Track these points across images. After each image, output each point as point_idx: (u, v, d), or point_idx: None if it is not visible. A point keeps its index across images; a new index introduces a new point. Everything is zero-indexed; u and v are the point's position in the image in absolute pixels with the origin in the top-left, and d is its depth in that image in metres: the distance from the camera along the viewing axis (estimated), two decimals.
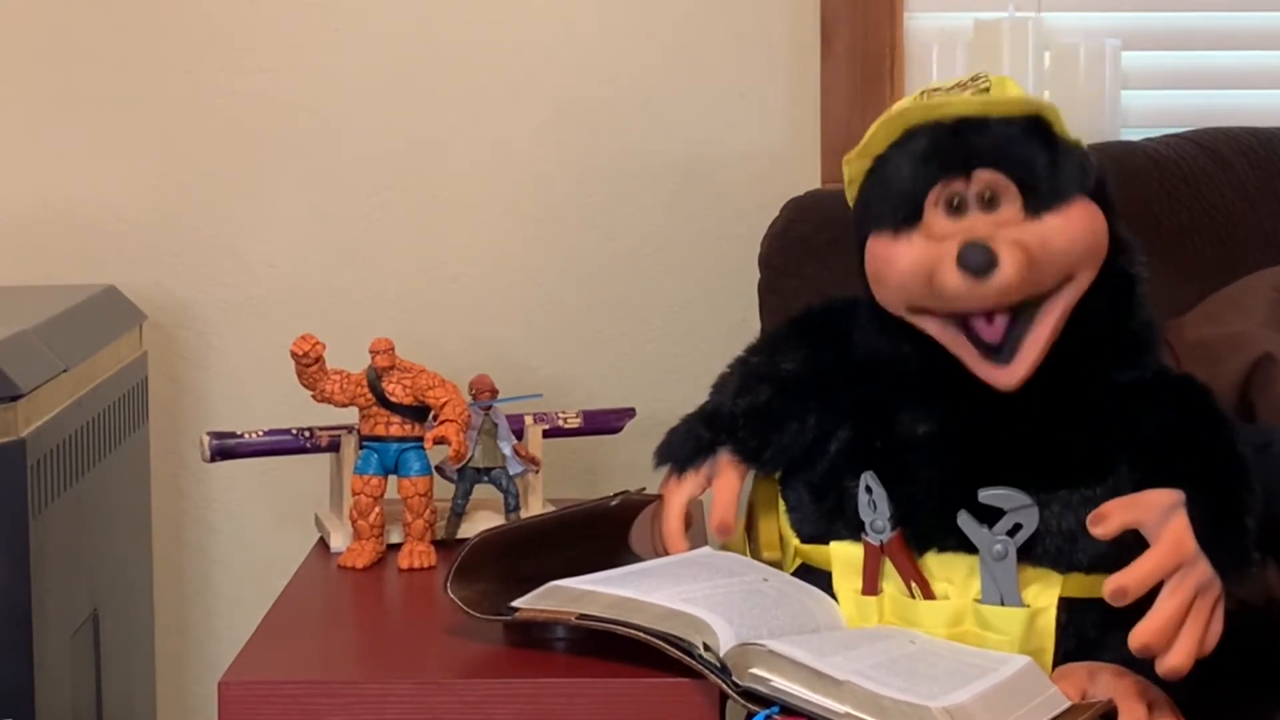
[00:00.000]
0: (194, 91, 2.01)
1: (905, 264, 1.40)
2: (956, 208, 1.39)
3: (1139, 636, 1.29)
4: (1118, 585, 1.29)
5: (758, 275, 1.85)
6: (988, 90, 1.42)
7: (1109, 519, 1.32)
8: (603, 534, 1.59)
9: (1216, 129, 1.87)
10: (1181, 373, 1.52)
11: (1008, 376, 1.39)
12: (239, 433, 1.74)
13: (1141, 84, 2.01)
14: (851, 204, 1.48)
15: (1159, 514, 1.31)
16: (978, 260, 1.35)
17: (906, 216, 1.40)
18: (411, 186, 2.03)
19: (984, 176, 1.39)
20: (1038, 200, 1.39)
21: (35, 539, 1.54)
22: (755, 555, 1.50)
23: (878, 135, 1.43)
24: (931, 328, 1.41)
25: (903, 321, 1.43)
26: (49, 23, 2.00)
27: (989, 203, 1.39)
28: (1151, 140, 1.87)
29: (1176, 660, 1.29)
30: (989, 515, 1.37)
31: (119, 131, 2.02)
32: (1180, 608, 1.29)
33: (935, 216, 1.40)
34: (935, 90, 1.45)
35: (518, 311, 2.04)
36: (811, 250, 1.81)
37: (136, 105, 2.01)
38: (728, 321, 1.99)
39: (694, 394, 1.58)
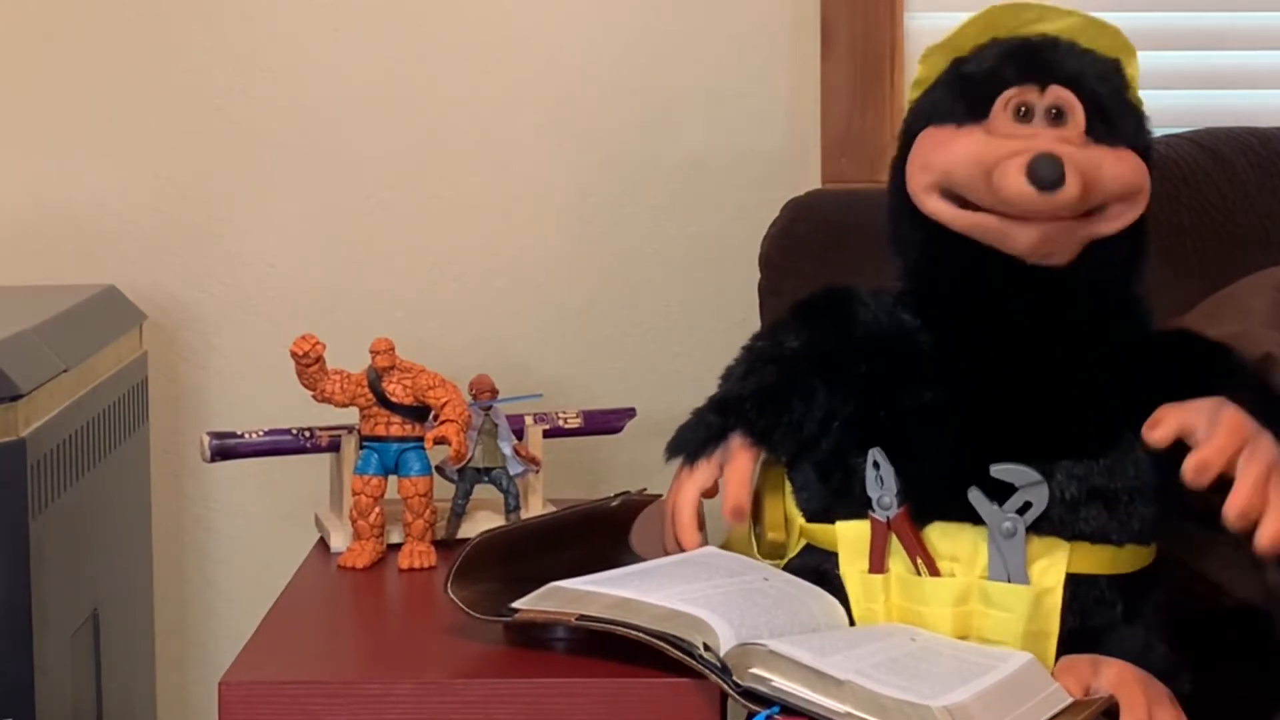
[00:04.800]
0: (194, 91, 2.01)
1: (964, 151, 1.42)
2: (1024, 116, 1.42)
3: (1234, 506, 1.30)
4: (1199, 459, 1.32)
5: (758, 275, 1.85)
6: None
7: (1165, 422, 1.35)
8: (603, 534, 1.59)
9: (1216, 129, 1.87)
10: (1176, 327, 1.53)
11: (1025, 231, 1.40)
12: (239, 433, 1.74)
13: (1142, 84, 2.00)
14: (911, 103, 1.50)
15: (1208, 415, 1.34)
16: (1050, 175, 1.37)
17: (973, 109, 1.43)
18: (411, 186, 2.03)
19: (1057, 91, 1.43)
20: (1101, 128, 1.43)
21: (35, 539, 1.54)
22: (760, 537, 1.50)
23: (964, 32, 1.47)
24: (954, 216, 1.43)
25: (916, 240, 1.45)
26: (49, 23, 2.00)
27: (1056, 117, 1.42)
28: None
29: (1276, 525, 1.30)
30: (997, 491, 1.37)
31: (119, 131, 2.02)
32: (1263, 473, 1.31)
33: (1002, 119, 1.42)
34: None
35: (518, 311, 2.04)
36: (811, 250, 1.81)
37: (136, 105, 2.01)
38: (728, 321, 1.99)
39: (694, 394, 1.58)
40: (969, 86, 1.44)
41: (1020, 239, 1.41)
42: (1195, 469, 1.32)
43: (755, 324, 1.83)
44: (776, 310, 1.79)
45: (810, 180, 1.98)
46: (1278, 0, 2.02)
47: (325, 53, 2.01)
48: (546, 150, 2.02)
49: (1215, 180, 1.82)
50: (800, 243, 1.82)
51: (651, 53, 2.01)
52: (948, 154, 1.42)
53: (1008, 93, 1.43)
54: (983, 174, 1.40)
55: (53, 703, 1.59)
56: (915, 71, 1.50)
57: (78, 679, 1.69)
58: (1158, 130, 1.88)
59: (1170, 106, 2.01)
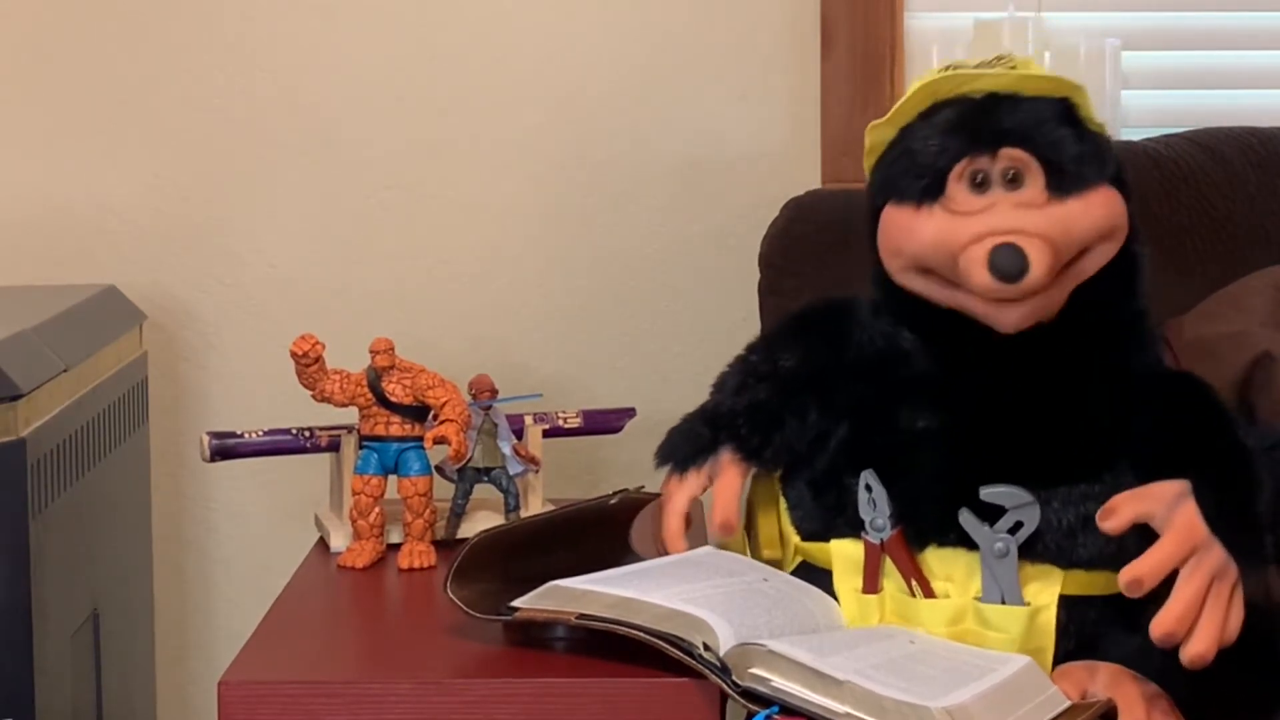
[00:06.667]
0: (194, 91, 2.01)
1: (927, 237, 1.39)
2: (980, 184, 1.39)
3: (1160, 625, 1.29)
4: (1133, 576, 1.30)
5: (758, 275, 1.85)
6: (1014, 68, 1.42)
7: (1118, 512, 1.32)
8: (603, 534, 1.59)
9: (1216, 129, 1.87)
10: (1180, 369, 1.52)
11: (1008, 314, 1.38)
12: (239, 433, 1.74)
13: (1141, 84, 2.01)
14: (869, 172, 1.47)
15: (1167, 504, 1.32)
16: (1011, 267, 1.35)
17: (929, 189, 1.39)
18: (411, 186, 2.03)
19: (1010, 154, 1.38)
20: (1062, 182, 1.38)
21: (35, 539, 1.54)
22: (755, 554, 1.50)
23: (906, 106, 1.42)
24: (937, 292, 1.41)
25: (905, 303, 1.43)
26: (49, 22, 2.00)
27: (1012, 181, 1.38)
28: (1151, 140, 1.86)
29: (1200, 646, 1.29)
30: (990, 513, 1.37)
31: (119, 131, 2.02)
32: (1198, 593, 1.30)
33: (958, 191, 1.39)
34: (961, 66, 1.43)
35: (518, 311, 2.04)
36: (811, 250, 1.81)
37: (136, 105, 2.01)
38: (728, 321, 1.99)
39: (694, 394, 1.58)
40: (919, 166, 1.40)
41: (1005, 321, 1.39)
42: (1128, 585, 1.30)
43: (755, 324, 1.83)
44: (776, 310, 1.79)
45: (810, 180, 1.98)
46: (1278, 0, 2.02)
47: (325, 53, 2.01)
48: (546, 150, 2.02)
49: (1215, 180, 1.82)
50: (800, 243, 1.82)
51: (651, 53, 2.01)
52: (913, 240, 1.40)
53: (959, 165, 1.38)
54: (949, 258, 1.38)
55: (53, 703, 1.59)
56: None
57: (78, 679, 1.69)
58: (1158, 130, 1.89)
59: (1170, 106, 2.02)
